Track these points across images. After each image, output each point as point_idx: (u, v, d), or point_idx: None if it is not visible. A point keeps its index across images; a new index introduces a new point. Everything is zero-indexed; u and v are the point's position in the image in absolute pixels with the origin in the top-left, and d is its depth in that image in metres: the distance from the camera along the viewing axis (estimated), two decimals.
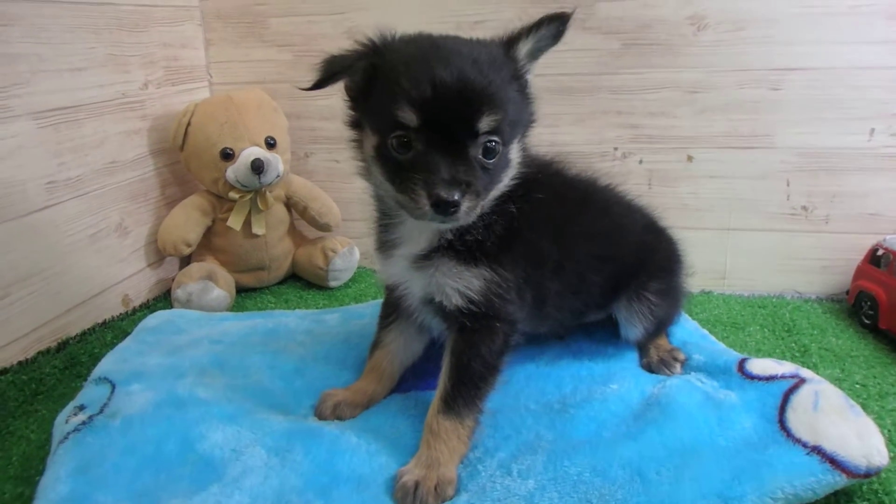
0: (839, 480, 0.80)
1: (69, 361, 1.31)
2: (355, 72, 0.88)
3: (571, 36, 1.61)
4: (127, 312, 1.56)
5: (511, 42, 0.91)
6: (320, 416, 0.99)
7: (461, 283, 0.90)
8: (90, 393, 1.02)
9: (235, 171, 1.57)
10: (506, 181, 0.90)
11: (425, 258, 0.92)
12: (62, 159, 1.38)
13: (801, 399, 0.92)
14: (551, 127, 1.65)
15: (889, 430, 1.03)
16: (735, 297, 1.63)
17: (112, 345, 1.38)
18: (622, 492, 0.81)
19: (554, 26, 0.91)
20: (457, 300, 0.90)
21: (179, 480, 0.83)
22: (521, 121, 0.91)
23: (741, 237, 1.64)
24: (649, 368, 1.12)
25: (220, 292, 1.55)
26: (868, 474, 0.82)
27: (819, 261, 1.62)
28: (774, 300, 1.60)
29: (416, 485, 0.82)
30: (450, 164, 0.80)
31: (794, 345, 1.36)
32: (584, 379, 1.07)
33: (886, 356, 1.29)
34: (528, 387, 1.06)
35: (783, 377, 0.98)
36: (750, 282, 1.66)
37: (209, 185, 1.63)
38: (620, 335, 1.17)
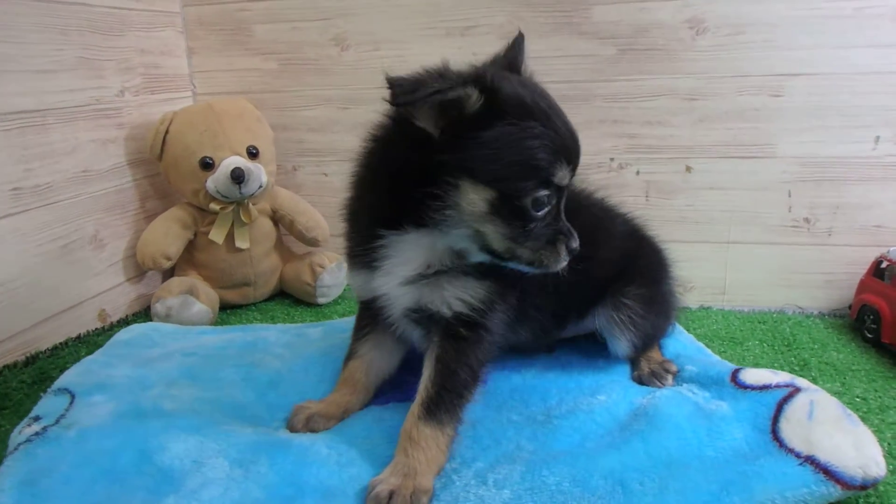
0: (833, 492, 0.77)
1: (38, 376, 1.25)
2: (461, 101, 0.76)
3: (566, 41, 1.60)
4: (104, 327, 1.50)
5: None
6: (292, 428, 0.96)
7: (465, 292, 0.88)
8: (48, 403, 0.99)
9: (215, 181, 1.52)
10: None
11: (420, 277, 0.89)
12: (29, 165, 1.32)
13: (795, 408, 0.89)
14: None
15: (889, 444, 0.99)
16: (735, 312, 1.57)
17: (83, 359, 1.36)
18: (602, 502, 0.77)
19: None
20: (458, 307, 0.88)
21: (134, 492, 0.79)
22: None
23: (741, 251, 1.59)
24: (640, 381, 1.08)
25: (202, 307, 1.50)
26: (864, 486, 0.79)
27: (822, 275, 1.56)
28: (775, 315, 1.54)
29: (391, 494, 0.78)
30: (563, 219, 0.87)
31: (793, 359, 1.32)
32: (572, 391, 1.04)
33: (888, 370, 1.25)
34: (512, 399, 1.03)
35: (777, 386, 0.95)
36: (750, 297, 1.60)
37: (190, 197, 1.57)
38: (610, 352, 1.13)
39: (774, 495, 0.76)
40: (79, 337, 1.44)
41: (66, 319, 1.42)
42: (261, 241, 1.64)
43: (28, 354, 1.32)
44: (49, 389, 1.04)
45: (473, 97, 0.76)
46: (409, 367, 1.07)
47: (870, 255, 1.45)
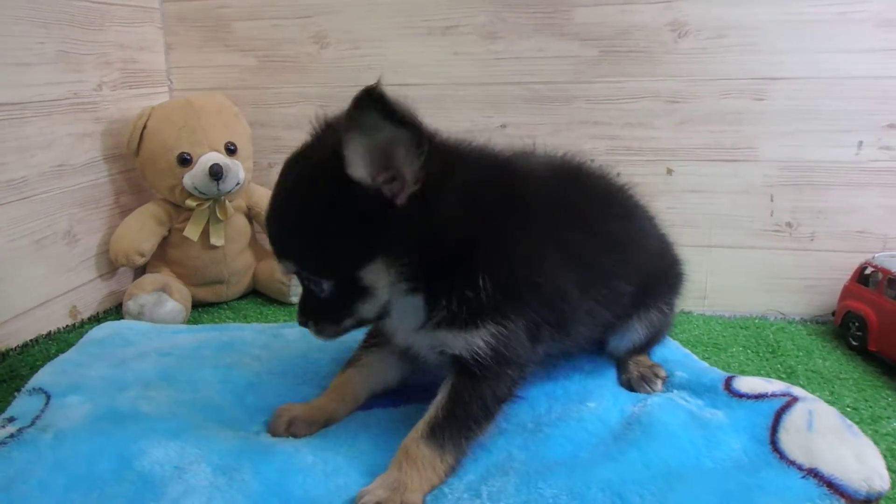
0: None
1: (8, 374, 1.23)
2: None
3: (547, 42, 1.59)
4: (74, 325, 1.48)
5: (337, 156, 0.74)
6: (273, 432, 0.92)
7: (465, 344, 0.84)
8: (22, 404, 0.96)
9: (193, 177, 1.50)
10: (376, 303, 0.83)
11: (422, 328, 0.87)
12: (4, 159, 1.30)
13: (794, 419, 0.87)
14: (525, 138, 1.58)
15: (885, 456, 0.95)
16: (716, 317, 1.55)
17: (56, 357, 1.33)
18: None
19: (370, 114, 0.69)
20: (464, 354, 0.85)
21: (114, 500, 0.76)
22: (360, 248, 0.78)
23: (722, 255, 1.57)
24: (629, 385, 1.05)
25: (175, 305, 1.48)
26: (868, 500, 0.77)
27: (803, 280, 1.54)
28: (757, 321, 1.52)
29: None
30: (305, 296, 0.87)
31: (779, 366, 1.29)
32: (560, 398, 1.01)
33: (877, 378, 1.23)
34: None
35: (773, 395, 0.92)
36: (731, 302, 1.58)
37: (165, 193, 1.56)
38: (608, 346, 1.11)
39: None
40: (49, 334, 1.41)
41: (37, 316, 1.39)
42: (235, 239, 1.62)
43: None
44: (23, 388, 1.02)
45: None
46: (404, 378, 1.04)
47: (852, 261, 1.43)
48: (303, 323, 0.87)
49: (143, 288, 1.47)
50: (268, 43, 1.69)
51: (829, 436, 0.83)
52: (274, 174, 1.77)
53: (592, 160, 1.09)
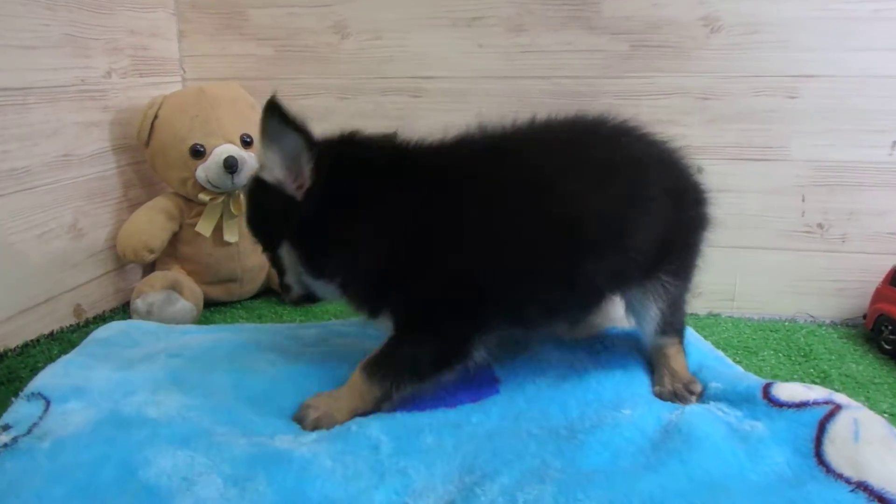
0: None
1: (6, 377, 1.15)
2: None
3: (575, 36, 1.55)
4: (79, 324, 1.40)
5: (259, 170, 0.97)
6: (301, 424, 0.93)
7: (382, 325, 0.95)
8: (19, 410, 0.89)
9: (206, 169, 1.43)
10: (292, 277, 1.00)
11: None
12: (6, 147, 1.22)
13: (838, 429, 0.82)
14: None
15: None
16: (745, 320, 1.52)
17: (58, 358, 1.25)
18: None
19: (272, 121, 0.89)
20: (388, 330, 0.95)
21: None
22: (272, 233, 0.98)
23: (752, 256, 1.53)
24: (661, 398, 1.01)
25: (186, 304, 1.40)
26: None
27: (834, 283, 1.51)
28: (787, 324, 1.49)
29: (307, 413, 0.91)
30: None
31: (812, 370, 1.26)
32: (592, 403, 0.96)
33: None
34: (529, 410, 0.95)
35: (815, 403, 0.87)
36: (760, 304, 1.55)
37: (177, 187, 1.48)
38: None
39: None
40: (52, 334, 1.33)
41: (39, 314, 1.31)
42: (250, 235, 1.55)
43: None
44: (21, 393, 0.94)
45: None
46: None
47: (884, 263, 1.40)
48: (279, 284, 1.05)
49: (152, 286, 1.40)
50: (285, 32, 1.62)
51: (877, 446, 0.78)
52: None
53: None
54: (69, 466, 0.76)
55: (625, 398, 0.97)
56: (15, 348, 1.25)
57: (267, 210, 0.96)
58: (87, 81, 1.40)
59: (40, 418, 0.86)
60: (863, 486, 0.73)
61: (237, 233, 1.51)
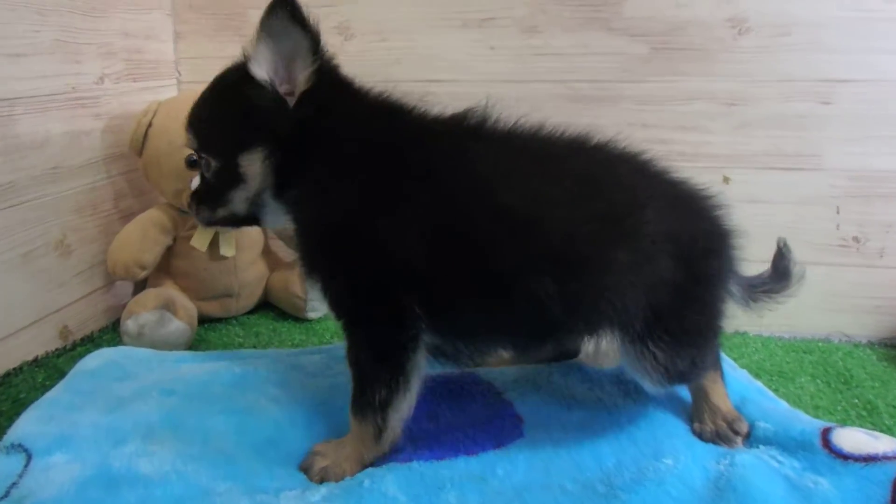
0: None
1: None
2: None
3: (593, 38, 1.46)
4: (65, 347, 1.31)
5: (245, 59, 0.86)
6: (306, 474, 0.86)
7: (312, 290, 0.90)
8: None
9: None
10: (245, 193, 0.88)
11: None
12: None
13: None
14: None
15: None
16: (775, 339, 1.42)
17: (43, 387, 1.14)
18: None
19: (280, 16, 0.82)
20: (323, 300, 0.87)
21: None
22: (244, 134, 0.86)
23: None
24: (701, 437, 0.91)
25: (179, 324, 1.32)
26: None
27: (871, 299, 1.41)
28: (821, 344, 1.40)
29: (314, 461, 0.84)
30: (199, 182, 0.93)
31: (856, 400, 1.16)
32: (628, 450, 0.87)
33: None
34: (558, 458, 0.85)
35: (886, 458, 0.78)
36: (791, 322, 1.45)
37: (171, 198, 1.40)
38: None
39: None
40: (36, 359, 1.25)
41: (22, 339, 1.22)
42: (247, 248, 1.46)
43: None
44: (0, 443, 0.85)
45: None
46: (432, 412, 0.92)
47: None
48: (189, 205, 0.94)
49: (144, 305, 1.31)
50: None
51: None
52: None
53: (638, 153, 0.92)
54: None
55: (662, 441, 0.88)
56: None
57: (243, 108, 0.85)
58: (78, 88, 1.32)
59: (20, 476, 0.78)
60: None
61: (234, 246, 1.43)
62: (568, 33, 1.44)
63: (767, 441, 0.88)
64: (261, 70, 0.83)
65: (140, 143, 1.38)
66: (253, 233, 1.49)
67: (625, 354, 0.86)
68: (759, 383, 1.10)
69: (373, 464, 0.85)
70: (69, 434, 0.85)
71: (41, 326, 1.27)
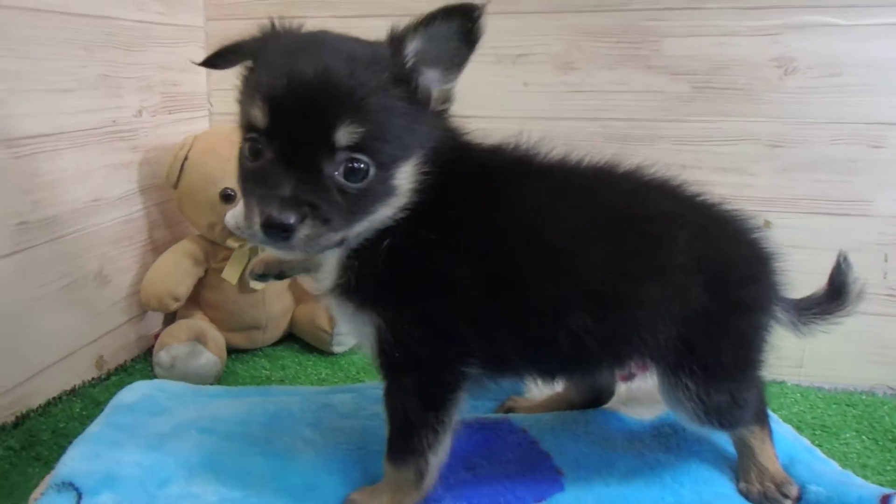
0: None
1: (27, 440, 1.10)
2: (242, 56, 0.76)
3: (631, 75, 1.43)
4: (101, 377, 1.34)
5: (398, 39, 0.70)
6: None
7: (357, 331, 0.81)
8: (50, 503, 0.82)
9: (236, 215, 1.35)
10: (385, 212, 0.73)
11: (332, 294, 0.79)
12: (36, 196, 1.17)
13: None
14: None
15: None
16: (814, 390, 1.37)
17: (80, 417, 1.18)
18: None
19: (455, 23, 0.67)
20: (365, 349, 0.81)
21: None
22: (412, 139, 0.72)
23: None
24: (748, 498, 0.89)
25: (211, 357, 1.33)
26: None
27: None
28: (864, 397, 1.34)
29: None
30: (295, 179, 0.66)
31: None
32: None
33: None
34: None
35: None
36: (832, 373, 1.39)
37: (204, 231, 1.42)
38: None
39: None
40: (73, 389, 1.27)
41: (60, 370, 1.25)
42: (276, 281, 1.47)
43: (18, 414, 1.16)
44: (51, 481, 0.88)
45: (248, 51, 0.76)
46: (468, 461, 0.91)
47: None
48: (279, 220, 0.64)
49: (177, 337, 1.33)
50: None
51: None
52: None
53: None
54: None
55: (707, 500, 0.85)
56: (36, 408, 1.19)
57: (404, 103, 0.70)
58: (118, 122, 1.35)
59: None
60: None
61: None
62: (605, 70, 1.41)
63: None
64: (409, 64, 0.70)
65: (176, 176, 1.40)
66: None
67: (660, 385, 0.86)
68: (805, 441, 1.05)
69: None
70: (115, 473, 0.88)
71: (78, 356, 1.30)
